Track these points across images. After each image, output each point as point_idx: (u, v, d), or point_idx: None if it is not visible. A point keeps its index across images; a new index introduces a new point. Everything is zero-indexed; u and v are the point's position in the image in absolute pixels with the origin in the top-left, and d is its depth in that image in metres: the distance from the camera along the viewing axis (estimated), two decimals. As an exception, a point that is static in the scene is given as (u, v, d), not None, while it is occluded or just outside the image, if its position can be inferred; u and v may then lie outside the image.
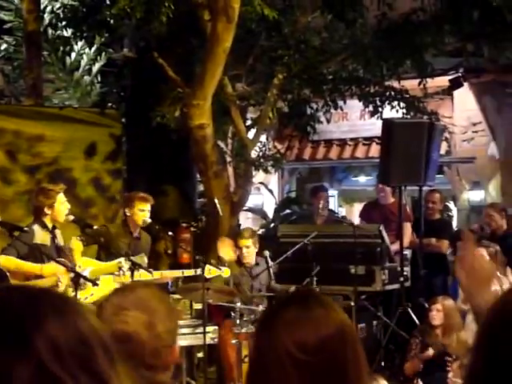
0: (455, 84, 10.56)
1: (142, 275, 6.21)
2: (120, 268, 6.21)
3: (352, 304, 7.10)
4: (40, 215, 6.16)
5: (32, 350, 1.12)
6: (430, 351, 6.03)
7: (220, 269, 6.66)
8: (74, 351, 1.14)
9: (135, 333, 2.06)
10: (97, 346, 1.17)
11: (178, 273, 6.92)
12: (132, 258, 6.29)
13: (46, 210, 6.15)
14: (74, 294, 5.39)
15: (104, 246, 6.57)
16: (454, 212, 12.68)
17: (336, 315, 1.57)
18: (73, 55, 12.84)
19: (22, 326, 1.14)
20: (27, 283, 5.58)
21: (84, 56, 13.03)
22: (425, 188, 8.34)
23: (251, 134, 9.28)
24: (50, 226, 6.19)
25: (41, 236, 6.08)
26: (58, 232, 6.33)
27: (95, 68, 12.97)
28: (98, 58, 12.74)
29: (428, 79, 9.38)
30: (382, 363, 7.00)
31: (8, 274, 5.78)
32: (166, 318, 2.16)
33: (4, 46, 12.87)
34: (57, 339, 1.14)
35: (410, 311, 7.17)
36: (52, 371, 1.11)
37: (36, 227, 6.10)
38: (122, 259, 6.27)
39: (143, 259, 6.47)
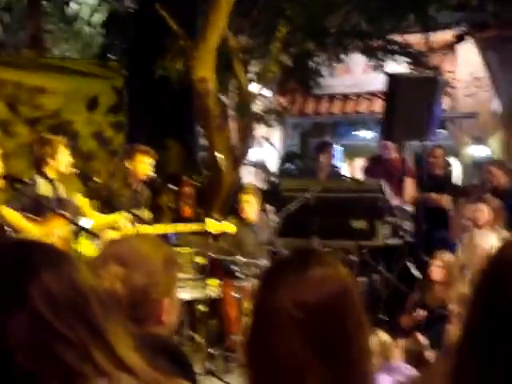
0: (459, 38, 10.47)
1: (144, 229, 6.24)
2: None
3: (354, 258, 7.14)
4: (42, 166, 6.11)
5: (27, 300, 1.14)
6: (421, 312, 6.09)
7: (221, 222, 6.63)
8: (69, 301, 1.17)
9: (110, 287, 2.02)
10: (91, 297, 1.20)
11: (182, 227, 6.87)
12: (133, 210, 6.28)
13: (49, 160, 6.10)
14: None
15: (106, 201, 6.54)
16: (457, 167, 12.66)
17: (336, 274, 1.55)
18: (73, 5, 12.69)
19: (17, 276, 1.16)
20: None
21: (84, 6, 12.88)
22: (427, 143, 8.32)
23: (254, 87, 9.22)
24: (52, 177, 6.16)
25: (43, 188, 6.05)
26: (58, 184, 6.31)
27: (95, 19, 12.82)
28: (99, 8, 12.60)
29: (431, 33, 9.29)
30: (382, 316, 7.06)
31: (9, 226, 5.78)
32: (154, 271, 2.08)
33: (3, -5, 12.71)
34: (51, 289, 1.16)
35: (412, 266, 7.21)
36: (47, 320, 1.14)
37: (38, 179, 6.06)
38: (122, 212, 6.25)
39: (144, 213, 6.45)
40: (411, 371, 3.79)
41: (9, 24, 12.84)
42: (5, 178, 5.80)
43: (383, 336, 4.64)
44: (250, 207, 7.20)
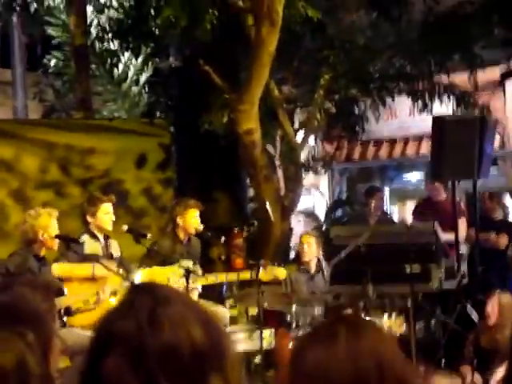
0: (506, 75, 10.36)
1: (197, 280, 6.23)
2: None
3: (409, 304, 7.01)
4: (86, 223, 6.23)
5: (145, 359, 1.08)
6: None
7: (271, 269, 6.60)
8: (186, 362, 1.09)
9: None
10: (210, 359, 1.11)
11: (232, 275, 6.85)
12: (184, 263, 6.27)
13: (89, 218, 6.20)
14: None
15: (159, 258, 6.53)
16: (510, 204, 12.43)
17: (370, 346, 1.41)
18: (120, 67, 12.99)
19: (139, 329, 1.10)
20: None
21: (131, 67, 13.17)
22: (479, 182, 8.20)
23: (300, 136, 9.25)
24: (99, 235, 6.22)
25: (91, 246, 6.12)
26: (112, 242, 6.36)
27: (142, 78, 13.10)
28: (145, 68, 12.87)
29: (478, 72, 9.22)
30: (443, 362, 6.89)
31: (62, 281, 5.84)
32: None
33: (53, 61, 13.09)
34: (170, 347, 1.09)
35: (469, 308, 7.05)
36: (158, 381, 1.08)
37: (85, 237, 6.15)
38: (172, 267, 6.24)
39: (190, 264, 6.44)
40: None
41: (59, 89, 13.20)
42: (59, 238, 5.90)
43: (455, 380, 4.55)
44: (309, 250, 7.17)
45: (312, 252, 7.20)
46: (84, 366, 1.13)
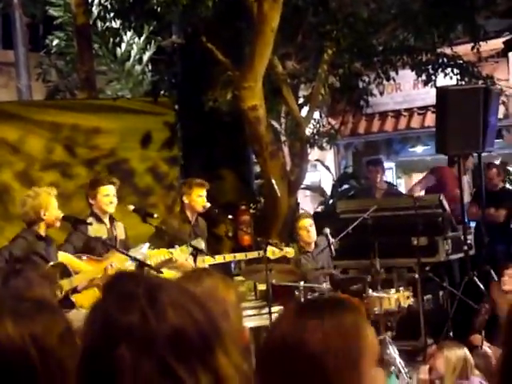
0: (510, 45, 10.29)
1: (205, 260, 6.27)
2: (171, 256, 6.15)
3: (416, 276, 7.05)
4: (90, 206, 6.26)
5: (154, 342, 1.11)
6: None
7: (282, 249, 6.68)
8: (193, 344, 1.13)
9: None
10: (215, 338, 1.15)
11: (241, 255, 6.92)
12: (192, 242, 6.30)
13: (90, 200, 6.22)
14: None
15: (167, 237, 6.55)
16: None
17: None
18: (123, 46, 12.96)
19: (144, 318, 1.13)
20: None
21: (134, 46, 13.15)
22: (484, 154, 8.20)
23: (304, 111, 9.24)
24: (103, 217, 6.24)
25: (95, 228, 6.12)
26: (118, 224, 6.36)
27: (145, 57, 13.08)
28: (148, 46, 12.85)
29: (481, 43, 9.17)
30: (451, 333, 6.94)
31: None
32: (236, 304, 2.17)
33: (56, 41, 13.07)
34: (178, 332, 1.12)
35: (476, 279, 7.08)
36: (173, 369, 1.11)
37: (90, 219, 6.16)
38: (179, 247, 6.24)
39: (201, 243, 6.47)
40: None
41: (62, 69, 13.19)
42: (66, 219, 5.91)
43: (459, 351, 4.58)
44: (308, 233, 7.22)
45: (311, 234, 7.23)
46: (93, 361, 1.15)
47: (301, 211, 8.03)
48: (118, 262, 5.80)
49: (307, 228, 7.25)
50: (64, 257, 5.84)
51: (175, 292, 1.18)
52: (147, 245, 5.94)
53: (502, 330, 1.29)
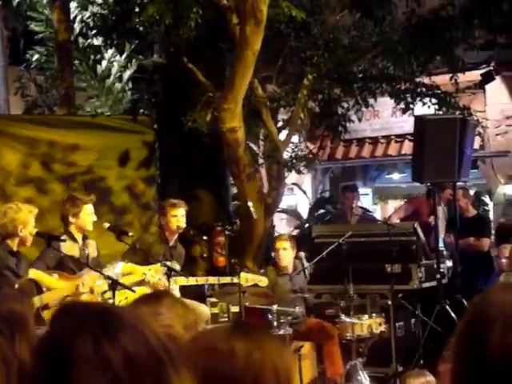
0: (487, 78, 10.43)
1: (178, 281, 6.24)
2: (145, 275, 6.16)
3: (389, 303, 7.07)
4: (67, 225, 6.20)
5: (108, 364, 1.13)
6: None
7: (254, 272, 6.67)
8: (145, 364, 1.16)
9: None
10: (166, 359, 1.19)
11: (214, 279, 6.92)
12: (167, 263, 6.29)
13: (71, 219, 6.16)
14: (111, 301, 5.41)
15: (141, 255, 6.53)
16: (490, 207, 12.54)
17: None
18: (104, 63, 12.97)
19: (97, 341, 1.15)
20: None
21: (115, 63, 13.14)
22: (459, 184, 8.28)
23: (283, 135, 9.28)
24: (77, 236, 6.20)
25: (68, 247, 6.08)
26: (90, 242, 6.32)
27: (126, 75, 13.07)
28: (129, 65, 12.85)
29: (459, 74, 9.29)
30: (421, 361, 6.96)
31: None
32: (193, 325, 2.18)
33: (36, 56, 13.04)
34: (129, 352, 1.15)
35: (448, 308, 7.11)
36: None
37: (64, 237, 6.11)
38: (153, 266, 6.24)
39: (176, 266, 6.46)
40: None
41: (41, 84, 13.15)
42: (40, 235, 5.87)
43: (421, 379, 4.58)
44: (286, 255, 7.22)
45: (288, 256, 7.22)
46: (47, 380, 1.16)
47: (275, 234, 8.02)
48: (90, 280, 5.77)
49: (279, 250, 7.23)
50: (35, 273, 5.79)
51: (126, 316, 1.21)
52: (121, 264, 5.93)
53: (452, 347, 1.34)
